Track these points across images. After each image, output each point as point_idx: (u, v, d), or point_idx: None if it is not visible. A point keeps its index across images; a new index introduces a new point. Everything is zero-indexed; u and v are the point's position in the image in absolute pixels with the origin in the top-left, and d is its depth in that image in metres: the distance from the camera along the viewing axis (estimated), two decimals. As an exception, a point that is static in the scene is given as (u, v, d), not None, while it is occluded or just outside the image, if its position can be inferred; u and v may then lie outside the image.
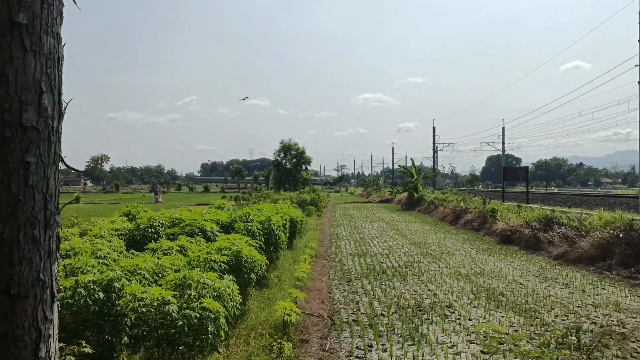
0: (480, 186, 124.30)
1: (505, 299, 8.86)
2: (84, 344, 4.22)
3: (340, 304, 8.59)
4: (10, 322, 1.83)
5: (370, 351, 6.21)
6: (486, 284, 10.14)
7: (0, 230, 1.82)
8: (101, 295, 4.68)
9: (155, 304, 4.67)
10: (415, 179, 42.83)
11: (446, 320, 7.54)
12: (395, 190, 54.58)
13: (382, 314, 7.89)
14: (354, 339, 6.64)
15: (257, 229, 10.19)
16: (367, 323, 7.39)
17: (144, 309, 4.63)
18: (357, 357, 6.03)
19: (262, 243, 9.80)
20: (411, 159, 49.56)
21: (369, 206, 44.42)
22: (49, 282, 1.98)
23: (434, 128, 71.02)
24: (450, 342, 6.50)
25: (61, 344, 4.11)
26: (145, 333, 4.75)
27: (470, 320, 7.55)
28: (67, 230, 8.58)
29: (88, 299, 4.56)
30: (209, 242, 8.24)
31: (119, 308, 4.72)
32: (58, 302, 2.07)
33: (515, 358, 5.79)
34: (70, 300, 4.51)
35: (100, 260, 5.79)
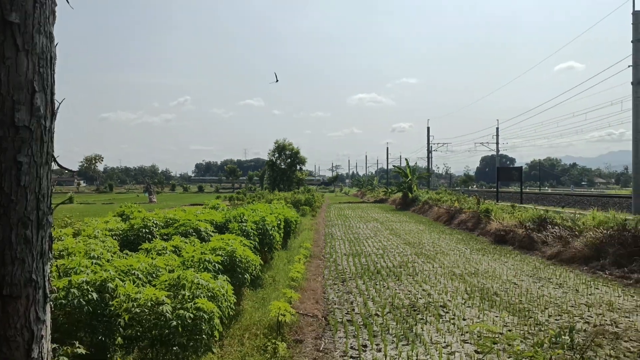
0: (475, 186, 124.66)
1: (499, 299, 8.89)
2: (77, 345, 4.20)
3: (335, 304, 8.59)
4: (2, 323, 1.82)
5: (365, 351, 6.21)
6: (480, 284, 10.17)
7: (-8, 230, 1.81)
8: (94, 295, 4.66)
9: (149, 304, 4.66)
10: (410, 179, 42.91)
11: (440, 320, 7.55)
12: (390, 190, 54.69)
13: (376, 314, 7.90)
14: (348, 339, 6.64)
15: (252, 229, 10.18)
16: (362, 323, 7.39)
17: (137, 310, 4.62)
18: (351, 357, 6.03)
19: (256, 243, 9.79)
20: (405, 159, 49.71)
21: (364, 206, 44.45)
22: (42, 283, 1.97)
23: (428, 128, 71.19)
24: (445, 342, 6.51)
25: (54, 345, 4.10)
26: (139, 333, 4.74)
27: (464, 320, 7.56)
28: (61, 231, 8.55)
29: (81, 300, 4.55)
30: (203, 243, 8.22)
31: (112, 308, 4.70)
32: (51, 303, 2.07)
33: (509, 358, 5.81)
34: (63, 301, 4.49)
35: (94, 261, 5.76)
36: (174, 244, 7.64)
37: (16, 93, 1.84)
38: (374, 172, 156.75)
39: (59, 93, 2.10)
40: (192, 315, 4.66)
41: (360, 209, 38.85)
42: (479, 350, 6.10)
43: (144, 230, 9.11)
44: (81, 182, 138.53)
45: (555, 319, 7.61)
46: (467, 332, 6.91)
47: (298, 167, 66.39)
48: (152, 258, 6.37)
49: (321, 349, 6.34)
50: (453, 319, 7.62)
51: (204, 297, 5.02)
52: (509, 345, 6.04)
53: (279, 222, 13.05)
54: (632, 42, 22.50)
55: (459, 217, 24.04)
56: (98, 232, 8.35)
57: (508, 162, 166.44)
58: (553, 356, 5.20)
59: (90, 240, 7.29)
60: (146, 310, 4.64)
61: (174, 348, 4.62)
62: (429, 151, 71.82)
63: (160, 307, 4.62)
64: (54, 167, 2.13)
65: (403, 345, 6.40)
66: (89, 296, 4.61)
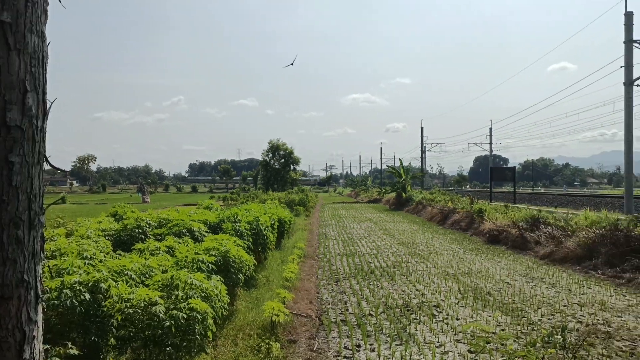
0: (468, 186, 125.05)
1: (492, 299, 8.92)
2: (70, 346, 4.19)
3: (329, 304, 8.60)
4: (-7, 324, 1.81)
5: (359, 351, 6.21)
6: (473, 284, 10.20)
7: (-17, 230, 1.80)
8: (87, 296, 4.64)
9: (142, 304, 4.64)
10: (404, 179, 42.97)
11: (434, 319, 7.57)
12: (384, 190, 54.74)
13: (370, 314, 7.91)
14: (342, 339, 6.64)
15: (245, 229, 10.16)
16: (355, 323, 7.40)
17: (130, 310, 4.61)
18: (345, 357, 6.04)
19: (250, 243, 9.78)
20: (399, 159, 49.81)
21: (357, 206, 44.48)
22: (33, 283, 1.96)
23: (422, 128, 71.35)
24: (438, 342, 6.53)
25: (47, 346, 4.08)
26: (132, 334, 4.72)
27: (457, 319, 7.58)
28: (53, 231, 8.51)
29: (74, 300, 4.53)
30: (197, 243, 8.21)
31: (105, 309, 4.68)
32: (43, 304, 2.06)
33: (502, 357, 5.83)
34: (56, 302, 4.48)
35: (87, 261, 5.74)
36: (168, 244, 7.62)
37: (8, 93, 1.83)
38: (367, 172, 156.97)
39: (52, 93, 2.09)
40: (185, 316, 4.65)
41: (354, 209, 38.87)
42: (472, 349, 6.12)
43: (137, 230, 9.08)
44: (74, 182, 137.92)
45: (548, 319, 7.64)
46: (460, 332, 6.93)
47: (292, 167, 66.34)
48: (145, 258, 6.35)
49: (315, 349, 6.34)
50: (446, 318, 7.64)
51: (197, 297, 5.01)
52: (502, 344, 6.06)
53: (272, 222, 13.03)
54: (624, 42, 22.63)
55: (453, 217, 24.10)
56: (91, 232, 8.32)
57: (501, 162, 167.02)
58: (546, 355, 5.22)
59: (83, 240, 7.27)
60: (139, 311, 4.63)
61: (167, 348, 4.61)
62: (423, 151, 71.96)
63: (154, 308, 4.61)
64: (46, 167, 2.12)
65: (396, 345, 6.41)
66: (82, 297, 4.60)
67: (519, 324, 7.32)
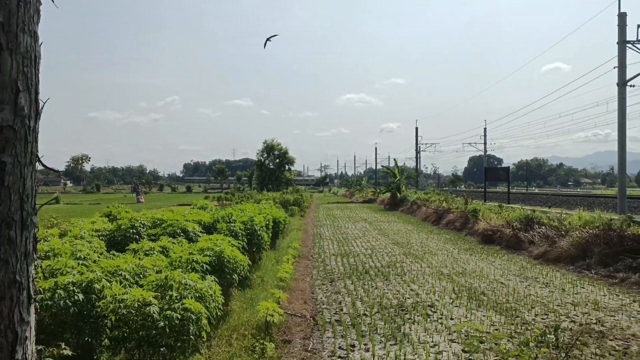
0: (463, 186, 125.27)
1: (486, 298, 8.94)
2: (63, 346, 4.18)
3: (323, 304, 8.60)
4: (-15, 325, 1.80)
5: (353, 351, 6.22)
6: (468, 284, 10.22)
7: (-25, 231, 1.79)
8: (81, 296, 4.62)
9: (136, 305, 4.63)
10: (398, 179, 43.01)
11: (428, 319, 7.58)
12: (378, 190, 54.76)
13: (364, 314, 7.91)
14: (336, 339, 6.64)
15: (240, 229, 10.15)
16: (350, 323, 7.41)
17: (124, 311, 4.59)
18: (339, 357, 6.04)
19: (244, 243, 9.77)
20: (394, 159, 49.80)
21: (352, 206, 44.50)
22: (26, 284, 1.95)
23: (416, 128, 71.38)
24: (432, 342, 6.54)
25: (40, 346, 4.07)
26: (126, 334, 4.71)
27: (452, 319, 7.60)
28: (47, 231, 8.48)
29: (67, 301, 4.51)
30: (191, 243, 8.19)
31: (99, 309, 4.67)
32: (37, 304, 2.05)
33: (495, 357, 5.85)
34: (49, 302, 4.46)
35: (80, 262, 5.72)
36: (162, 245, 7.61)
37: (0, 92, 1.83)
38: (362, 172, 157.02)
39: (45, 93, 2.09)
40: (179, 316, 4.64)
41: (348, 209, 38.89)
42: (466, 349, 6.14)
43: (131, 230, 9.06)
44: (68, 182, 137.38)
45: (542, 318, 7.67)
46: (454, 332, 6.95)
47: (287, 167, 66.33)
48: (139, 259, 6.34)
49: (309, 349, 6.34)
50: (441, 318, 7.65)
51: (191, 297, 5.00)
52: (496, 344, 6.08)
53: (267, 222, 13.03)
54: (617, 43, 22.73)
55: (447, 217, 24.15)
56: (85, 232, 8.29)
57: (496, 163, 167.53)
58: (539, 355, 5.24)
59: (76, 240, 7.24)
60: (133, 311, 4.62)
61: (161, 349, 4.60)
62: (417, 151, 72.07)
63: (148, 308, 4.60)
64: (39, 167, 2.11)
65: (391, 345, 6.42)
66: (75, 297, 4.58)
67: (512, 324, 7.35)
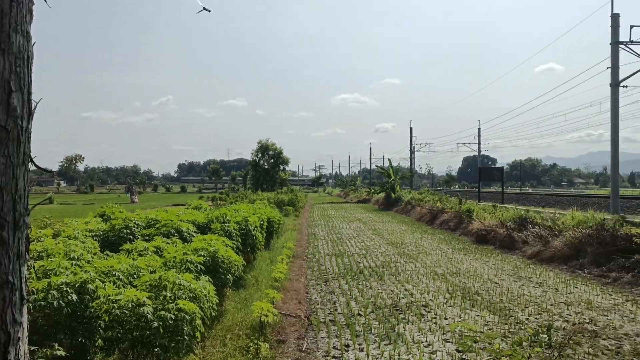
0: (457, 186, 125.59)
1: (480, 298, 8.97)
2: (56, 347, 4.16)
3: (318, 304, 8.60)
4: (-23, 326, 1.80)
5: (347, 351, 6.23)
6: (462, 283, 10.25)
7: (-33, 231, 1.78)
8: (74, 297, 4.61)
9: (130, 305, 4.62)
10: (393, 179, 43.08)
11: (422, 319, 7.60)
12: (373, 190, 54.86)
13: (359, 314, 7.92)
14: (331, 339, 6.65)
15: (234, 229, 10.14)
16: (344, 323, 7.41)
17: (118, 311, 4.58)
18: (334, 357, 6.05)
19: (239, 243, 9.76)
20: (388, 160, 49.88)
21: (347, 206, 44.52)
22: (18, 285, 1.95)
23: (411, 129, 71.44)
24: (426, 341, 6.56)
25: (33, 347, 4.05)
26: (119, 335, 4.69)
27: (446, 319, 7.62)
28: (40, 232, 8.43)
29: (61, 301, 4.49)
30: (186, 243, 8.18)
31: (92, 310, 4.65)
32: (30, 305, 2.05)
33: (489, 356, 5.87)
34: (42, 303, 4.44)
35: (74, 262, 5.69)
36: (156, 245, 7.59)
37: (-8, 93, 1.82)
38: (357, 173, 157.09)
39: (39, 93, 2.09)
40: (173, 316, 4.63)
41: (343, 209, 38.91)
42: (459, 349, 6.16)
43: (125, 230, 9.02)
44: (61, 182, 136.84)
45: (535, 318, 7.70)
46: (448, 331, 6.97)
47: (281, 167, 66.25)
48: (133, 259, 6.32)
49: (304, 349, 6.34)
50: (435, 318, 7.67)
51: (185, 298, 5.00)
52: (490, 343, 6.10)
53: (261, 222, 13.02)
54: (610, 44, 22.83)
55: (441, 217, 24.20)
56: (78, 232, 8.26)
57: (490, 163, 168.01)
58: (532, 354, 5.26)
59: (70, 241, 7.21)
60: (127, 312, 4.61)
61: (155, 349, 4.59)
62: (412, 151, 72.12)
63: (142, 309, 4.59)
64: (32, 167, 2.10)
65: (385, 344, 6.43)
66: (69, 298, 4.56)
67: (506, 323, 7.37)
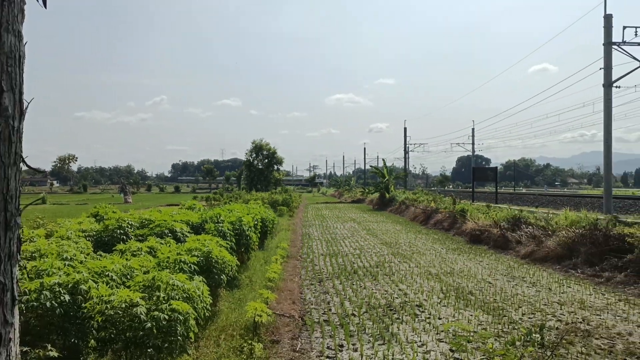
0: (451, 186, 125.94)
1: (474, 298, 8.99)
2: (49, 348, 4.15)
3: (312, 304, 8.60)
4: (-32, 327, 1.79)
5: (341, 351, 6.23)
6: (456, 283, 10.28)
7: (-42, 232, 1.77)
8: (67, 297, 4.59)
9: (123, 306, 4.60)
10: (387, 179, 43.13)
11: (416, 319, 7.61)
12: (367, 190, 54.88)
13: (353, 314, 7.93)
14: (325, 339, 6.65)
15: (228, 229, 10.13)
16: (338, 323, 7.42)
17: (111, 312, 4.56)
18: (328, 357, 6.05)
19: (233, 244, 9.74)
20: (383, 160, 49.96)
21: (341, 206, 44.54)
22: (10, 285, 1.94)
23: (405, 129, 71.56)
24: (420, 341, 6.57)
25: (26, 348, 4.04)
26: (112, 336, 4.68)
27: (440, 319, 7.64)
28: (33, 232, 8.40)
29: (53, 302, 4.48)
30: (179, 243, 8.16)
31: (85, 311, 4.64)
32: (22, 305, 2.04)
33: (482, 356, 5.89)
34: (35, 303, 4.42)
35: (67, 262, 5.68)
36: (149, 245, 7.57)
37: (-17, 92, 1.81)
38: (351, 173, 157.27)
39: (31, 92, 2.07)
40: (167, 317, 4.62)
41: (337, 209, 38.92)
42: (453, 348, 6.17)
43: (118, 231, 8.99)
44: (54, 182, 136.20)
45: (529, 317, 7.73)
46: (442, 331, 6.98)
47: (275, 167, 66.19)
48: (126, 259, 6.30)
49: (298, 349, 6.34)
50: (429, 318, 7.69)
51: (179, 298, 4.98)
52: (483, 343, 6.12)
53: (255, 222, 13.01)
54: (603, 45, 22.94)
55: (436, 217, 24.25)
56: (71, 233, 8.22)
57: (484, 163, 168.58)
58: (525, 354, 5.28)
59: (63, 241, 7.18)
60: (120, 312, 4.59)
61: (149, 350, 4.58)
62: (406, 151, 72.26)
63: (135, 309, 4.57)
64: (23, 167, 2.09)
65: (379, 344, 6.44)
66: (61, 298, 4.55)
67: (500, 323, 7.40)
